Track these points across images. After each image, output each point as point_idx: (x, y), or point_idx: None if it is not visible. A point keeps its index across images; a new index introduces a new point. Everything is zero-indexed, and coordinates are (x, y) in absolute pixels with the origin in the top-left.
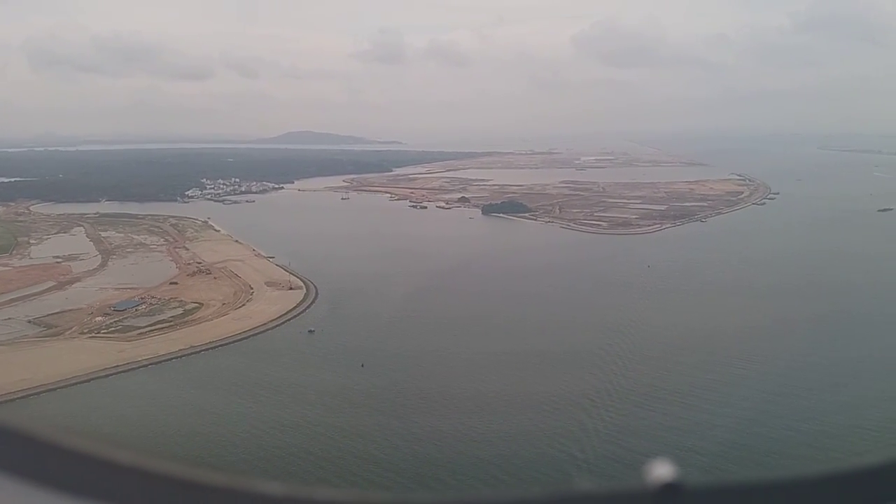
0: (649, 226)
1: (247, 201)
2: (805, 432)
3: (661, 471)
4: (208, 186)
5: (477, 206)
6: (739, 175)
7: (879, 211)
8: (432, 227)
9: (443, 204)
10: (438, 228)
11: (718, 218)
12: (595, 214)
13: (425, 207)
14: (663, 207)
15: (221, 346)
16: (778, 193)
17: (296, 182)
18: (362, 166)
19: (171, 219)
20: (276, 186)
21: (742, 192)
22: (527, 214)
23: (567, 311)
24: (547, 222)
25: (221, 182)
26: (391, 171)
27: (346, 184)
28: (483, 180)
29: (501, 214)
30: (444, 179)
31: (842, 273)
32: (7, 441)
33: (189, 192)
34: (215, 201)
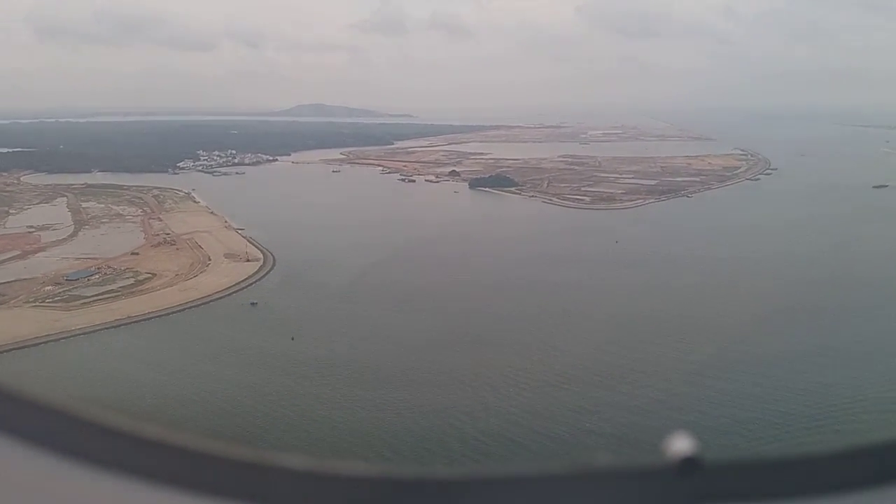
0: (632, 201)
1: (237, 173)
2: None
3: (681, 445)
4: (202, 158)
5: (466, 181)
6: (742, 150)
7: (874, 187)
8: (413, 200)
9: (432, 177)
10: (419, 201)
11: (707, 193)
12: (582, 189)
13: (414, 181)
14: (653, 182)
15: (157, 317)
16: (776, 169)
17: (292, 154)
18: (364, 139)
19: (154, 190)
20: (271, 159)
21: (739, 168)
22: (513, 189)
23: (512, 288)
24: (530, 196)
25: (217, 154)
26: (392, 144)
27: (342, 156)
28: (481, 154)
29: (488, 189)
30: (443, 153)
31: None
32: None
33: (181, 164)
34: (206, 173)
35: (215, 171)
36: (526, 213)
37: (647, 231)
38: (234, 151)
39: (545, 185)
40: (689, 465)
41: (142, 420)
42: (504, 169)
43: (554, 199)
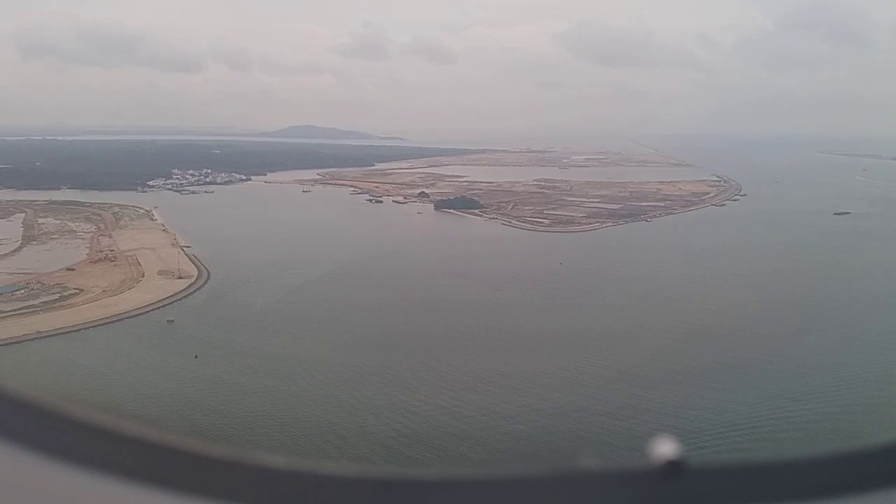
0: (590, 224)
1: (205, 192)
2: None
3: (665, 448)
4: (175, 176)
5: (433, 202)
6: (718, 176)
7: (835, 214)
8: (371, 220)
9: (400, 199)
10: (376, 221)
11: (667, 218)
12: (544, 212)
13: (381, 201)
14: (617, 206)
15: (66, 333)
16: (745, 195)
17: (268, 174)
18: (345, 160)
19: (115, 207)
20: (244, 178)
21: (708, 193)
22: (477, 211)
23: (436, 307)
24: (491, 219)
25: (191, 173)
26: (373, 165)
27: (318, 177)
28: (458, 176)
29: (452, 210)
30: (420, 175)
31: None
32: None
33: (151, 182)
34: (174, 191)
35: (184, 190)
36: (480, 235)
37: (593, 253)
38: (209, 171)
39: (509, 207)
40: (672, 468)
41: (123, 418)
42: (475, 191)
43: (513, 221)
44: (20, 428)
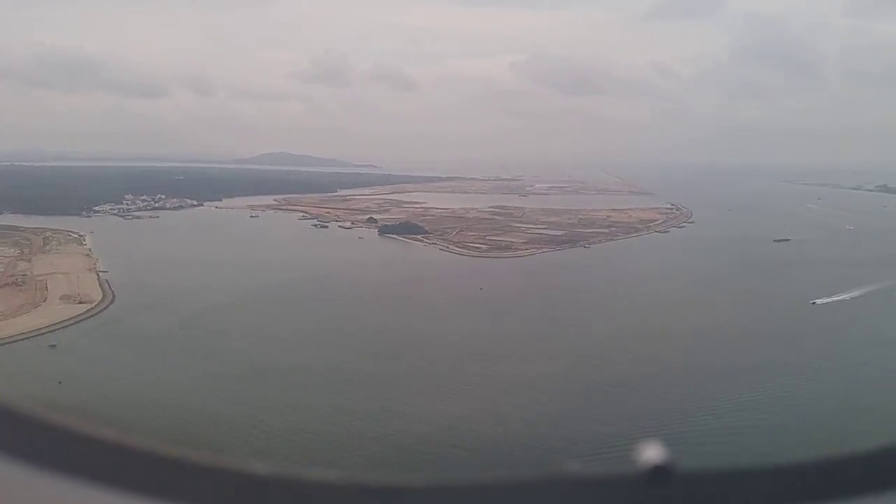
0: (526, 250)
1: (150, 217)
2: None
3: (652, 454)
4: (125, 202)
5: (378, 228)
6: (672, 204)
7: (775, 241)
8: (307, 245)
9: (348, 224)
10: (312, 246)
11: (606, 244)
12: (486, 238)
13: (327, 227)
14: (561, 233)
15: None
16: (693, 222)
17: (224, 200)
18: (307, 187)
19: (49, 231)
20: (196, 204)
21: (656, 220)
22: (419, 236)
23: (336, 334)
24: (430, 244)
25: (143, 198)
26: (335, 191)
27: (274, 202)
28: (415, 203)
29: (395, 236)
30: (378, 201)
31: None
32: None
33: (97, 208)
34: (119, 216)
35: (128, 215)
36: (413, 259)
37: (519, 278)
38: (162, 196)
39: (454, 233)
40: (659, 473)
41: (112, 426)
42: (427, 217)
43: (451, 246)
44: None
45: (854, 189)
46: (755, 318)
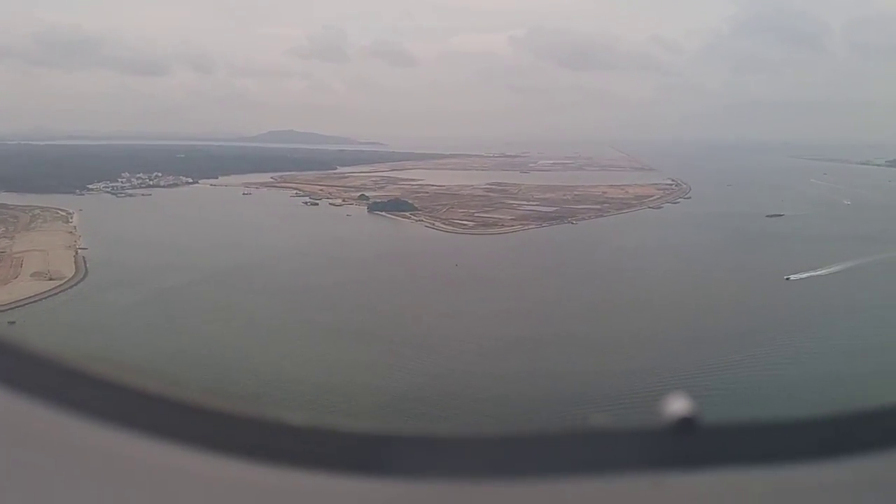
0: (512, 227)
1: (143, 195)
2: None
3: (677, 406)
4: (120, 179)
5: (368, 204)
6: (672, 180)
7: (767, 216)
8: (292, 223)
9: (339, 201)
10: (297, 224)
11: (595, 220)
12: (475, 215)
13: (317, 204)
14: (552, 209)
15: None
16: (689, 198)
17: (220, 178)
18: (308, 164)
19: (38, 209)
20: (191, 181)
21: (653, 196)
22: (408, 213)
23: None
24: (417, 220)
25: (140, 175)
26: (335, 169)
27: (271, 180)
28: (412, 180)
29: (383, 213)
30: (375, 178)
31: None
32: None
33: (91, 186)
34: (112, 194)
35: (121, 193)
36: (395, 237)
37: (497, 255)
38: (158, 174)
39: (443, 210)
40: (685, 425)
41: (137, 373)
42: (421, 194)
43: (437, 223)
44: (35, 382)
45: (863, 164)
46: (725, 293)
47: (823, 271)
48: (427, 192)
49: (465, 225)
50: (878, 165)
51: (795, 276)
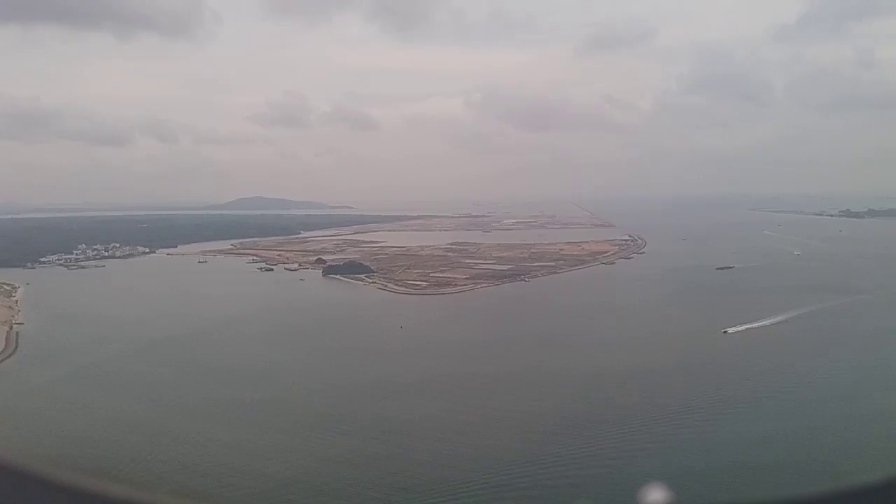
0: (465, 285)
1: (95, 266)
2: None
3: (656, 496)
4: (76, 252)
5: (323, 268)
6: (629, 236)
7: (717, 269)
8: (240, 290)
9: (295, 265)
10: (244, 292)
11: (548, 277)
12: (430, 275)
13: (272, 269)
14: (507, 268)
15: None
16: (644, 253)
17: (180, 246)
18: (270, 230)
19: None
20: (148, 251)
21: (608, 252)
22: (363, 276)
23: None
24: (371, 283)
25: (95, 247)
26: (299, 234)
27: (231, 247)
28: (374, 242)
29: (338, 276)
30: (336, 241)
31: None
32: None
33: (44, 258)
34: (64, 266)
35: (72, 265)
36: (346, 300)
37: (445, 315)
38: (116, 245)
39: (399, 271)
40: None
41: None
42: (381, 256)
43: (390, 285)
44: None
45: (817, 215)
46: (659, 350)
47: (760, 323)
48: (386, 254)
49: (418, 285)
50: (831, 216)
51: (733, 329)
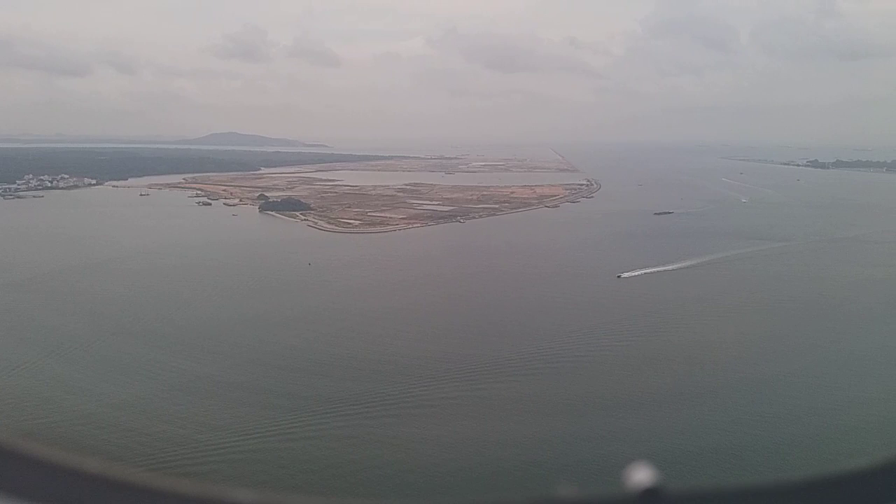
0: (397, 225)
1: (34, 196)
2: None
3: (642, 475)
4: (18, 182)
5: (259, 204)
6: (588, 180)
7: (655, 214)
8: (170, 222)
9: (235, 201)
10: (176, 223)
11: (485, 219)
12: (368, 214)
13: (210, 204)
14: (447, 209)
15: None
16: (592, 198)
17: (128, 179)
18: (229, 165)
19: None
20: (94, 183)
21: (558, 195)
22: (298, 213)
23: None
24: (303, 220)
25: (43, 177)
26: (258, 170)
27: (182, 181)
28: (330, 181)
29: (273, 212)
30: (291, 179)
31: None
32: None
33: None
34: (1, 196)
35: (9, 195)
36: (270, 237)
37: (362, 256)
38: (65, 176)
39: (338, 210)
40: (650, 495)
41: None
42: (332, 194)
43: (321, 222)
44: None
45: (784, 164)
46: (554, 289)
47: (661, 268)
48: (335, 193)
49: (350, 224)
50: (797, 166)
51: (628, 273)
